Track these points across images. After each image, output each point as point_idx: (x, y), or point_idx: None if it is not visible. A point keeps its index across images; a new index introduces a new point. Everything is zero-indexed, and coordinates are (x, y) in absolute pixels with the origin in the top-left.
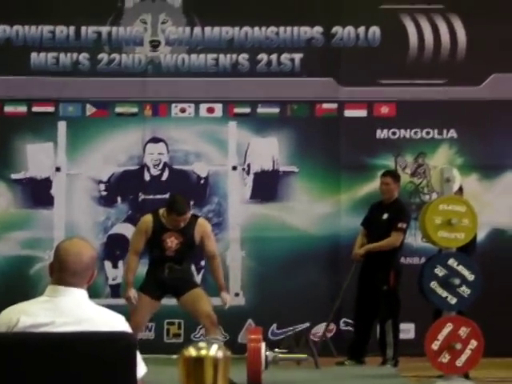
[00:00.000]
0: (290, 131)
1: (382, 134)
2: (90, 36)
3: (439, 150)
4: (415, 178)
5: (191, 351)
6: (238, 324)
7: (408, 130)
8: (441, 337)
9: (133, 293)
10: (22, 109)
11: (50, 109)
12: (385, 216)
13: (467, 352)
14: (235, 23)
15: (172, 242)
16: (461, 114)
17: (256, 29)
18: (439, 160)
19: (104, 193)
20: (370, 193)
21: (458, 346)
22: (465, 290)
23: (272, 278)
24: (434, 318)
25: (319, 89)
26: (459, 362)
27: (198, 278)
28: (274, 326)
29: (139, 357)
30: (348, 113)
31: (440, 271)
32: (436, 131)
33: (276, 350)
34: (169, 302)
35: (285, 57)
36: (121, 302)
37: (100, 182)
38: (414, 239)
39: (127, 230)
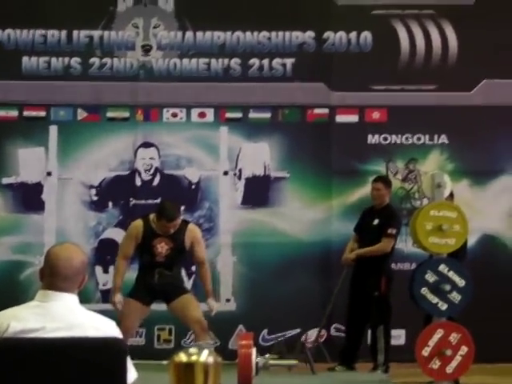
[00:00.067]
0: (281, 136)
1: (373, 139)
2: (82, 40)
3: (430, 155)
4: (406, 183)
5: (182, 357)
6: (229, 330)
7: (399, 136)
8: (431, 343)
9: (118, 298)
10: (13, 113)
11: (42, 113)
12: (375, 222)
13: (458, 358)
14: (227, 28)
15: (162, 247)
16: (452, 119)
17: (248, 33)
18: (430, 166)
19: (95, 198)
20: (361, 198)
21: (449, 352)
22: (455, 296)
23: (263, 284)
24: (425, 323)
25: (311, 94)
26: (449, 369)
27: (189, 284)
28: (265, 331)
29: (130, 362)
30: (339, 118)
31: (431, 277)
32: (427, 137)
33: (267, 355)
34: (159, 307)
35: (276, 62)
36: (111, 307)
37: (91, 186)
38: (404, 245)
39: (118, 234)
